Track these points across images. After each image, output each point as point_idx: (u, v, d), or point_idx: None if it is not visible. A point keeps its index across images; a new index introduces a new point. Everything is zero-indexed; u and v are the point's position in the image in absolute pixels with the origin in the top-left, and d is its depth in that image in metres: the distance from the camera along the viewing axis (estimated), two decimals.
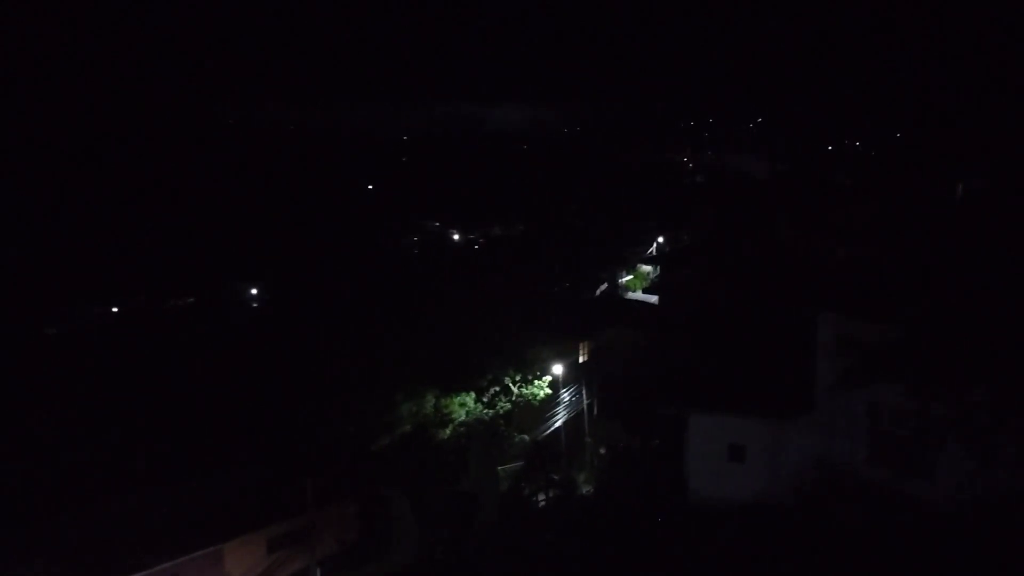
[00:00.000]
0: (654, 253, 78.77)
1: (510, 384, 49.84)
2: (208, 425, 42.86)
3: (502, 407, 48.24)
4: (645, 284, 69.37)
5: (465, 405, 46.71)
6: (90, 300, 66.78)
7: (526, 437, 45.95)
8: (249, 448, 39.51)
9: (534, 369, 51.15)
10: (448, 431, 44.81)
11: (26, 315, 59.89)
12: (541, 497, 38.74)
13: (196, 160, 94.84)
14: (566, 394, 52.03)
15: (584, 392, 47.39)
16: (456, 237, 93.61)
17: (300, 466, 35.33)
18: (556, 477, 40.68)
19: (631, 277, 73.34)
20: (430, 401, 45.80)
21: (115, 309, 68.01)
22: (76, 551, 27.99)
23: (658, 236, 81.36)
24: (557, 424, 48.53)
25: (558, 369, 50.74)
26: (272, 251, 79.88)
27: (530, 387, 50.48)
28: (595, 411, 46.06)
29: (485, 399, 48.18)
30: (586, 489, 40.04)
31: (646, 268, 74.17)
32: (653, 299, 60.48)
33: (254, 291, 76.90)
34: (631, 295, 69.32)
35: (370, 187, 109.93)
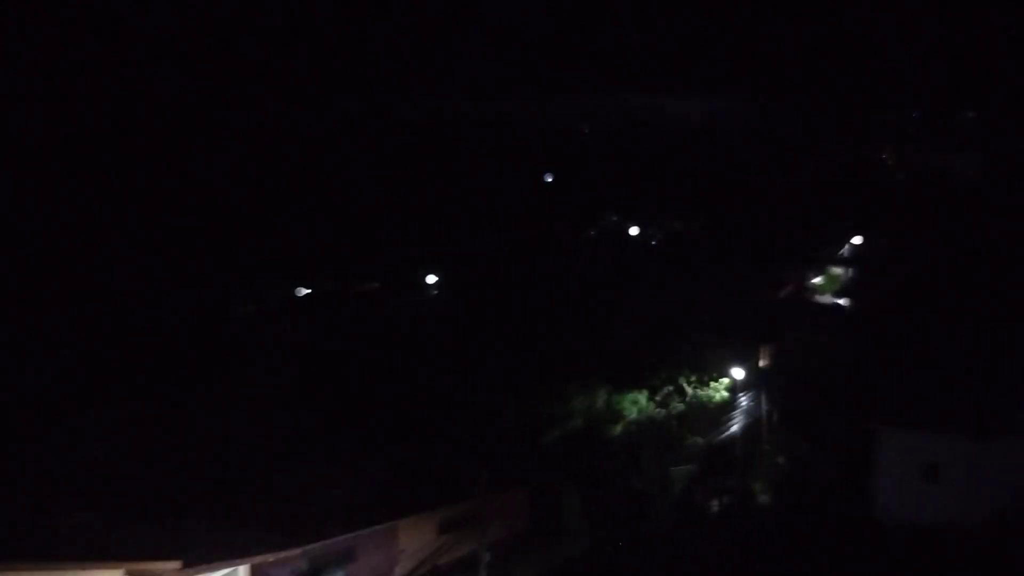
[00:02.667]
0: (847, 254, 74.62)
1: (685, 385, 48.80)
2: (386, 405, 44.64)
3: (675, 408, 47.34)
4: (836, 287, 65.86)
5: (637, 403, 46.21)
6: (282, 282, 70.89)
7: (700, 440, 44.74)
8: (425, 430, 40.75)
9: (711, 371, 49.87)
10: (619, 428, 44.47)
11: (220, 294, 64.14)
12: (715, 503, 37.54)
13: (380, 152, 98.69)
14: (744, 399, 50.30)
15: (764, 398, 45.58)
16: (634, 231, 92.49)
17: (474, 451, 35.96)
18: (731, 484, 39.29)
19: (821, 279, 69.80)
20: (601, 397, 45.66)
21: (306, 291, 72.01)
22: (264, 519, 29.66)
23: (853, 237, 76.95)
24: (733, 429, 47.00)
25: (737, 372, 49.13)
26: (451, 241, 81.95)
27: (706, 389, 49.25)
28: (775, 418, 44.17)
29: (658, 398, 47.48)
30: (763, 499, 38.49)
31: (837, 270, 70.39)
32: (844, 303, 57.29)
33: (432, 279, 79.12)
34: (820, 298, 65.98)
35: (548, 179, 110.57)
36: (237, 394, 42.57)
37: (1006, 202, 57.78)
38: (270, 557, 27.53)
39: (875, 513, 28.59)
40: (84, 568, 23.68)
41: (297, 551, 28.22)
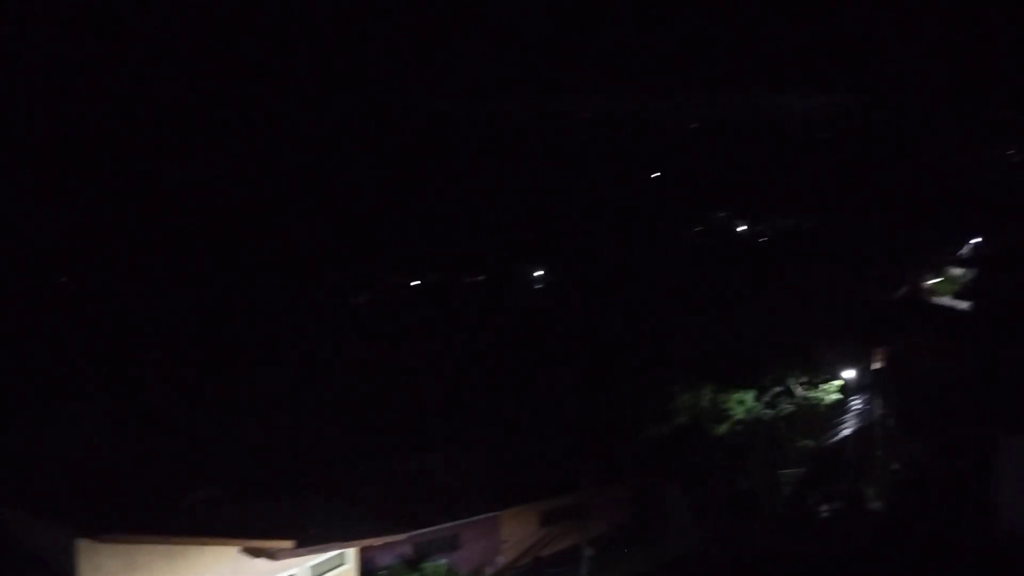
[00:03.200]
0: (968, 255, 71.30)
1: (794, 385, 47.62)
2: (492, 396, 45.17)
3: (784, 409, 46.24)
4: (955, 289, 63.01)
5: (744, 403, 45.28)
6: (393, 273, 72.64)
7: (810, 443, 43.61)
8: (529, 422, 41.05)
9: (821, 372, 48.52)
10: (725, 427, 43.72)
11: (336, 285, 66.12)
12: (824, 508, 36.55)
13: (491, 146, 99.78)
14: (857, 402, 48.76)
15: (877, 401, 44.07)
16: (742, 228, 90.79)
17: (577, 445, 36.03)
18: (842, 489, 38.17)
19: (939, 280, 66.95)
20: (707, 395, 44.94)
21: (416, 282, 73.60)
22: (373, 503, 30.51)
23: (973, 237, 73.51)
24: (844, 433, 45.62)
25: (848, 374, 47.65)
26: (558, 236, 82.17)
27: (816, 391, 47.96)
28: (889, 423, 42.63)
29: (766, 399, 46.44)
30: (875, 505, 37.26)
31: (957, 271, 67.36)
32: (964, 305, 54.75)
33: (538, 273, 79.52)
34: (937, 300, 63.27)
35: (656, 175, 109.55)
36: (351, 380, 43.88)
37: None
38: (378, 541, 28.29)
39: (996, 524, 27.29)
40: (203, 544, 24.79)
41: (404, 536, 28.92)
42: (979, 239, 73.13)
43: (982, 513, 27.89)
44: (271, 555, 25.89)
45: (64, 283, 56.67)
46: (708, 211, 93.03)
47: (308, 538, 26.39)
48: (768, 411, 45.70)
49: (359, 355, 48.28)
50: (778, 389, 47.14)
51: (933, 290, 65.83)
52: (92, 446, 29.64)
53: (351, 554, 28.31)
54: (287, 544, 25.80)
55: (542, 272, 78.63)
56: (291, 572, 26.74)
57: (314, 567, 26.78)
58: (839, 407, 47.87)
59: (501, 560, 32.41)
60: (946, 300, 61.68)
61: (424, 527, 29.26)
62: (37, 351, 43.04)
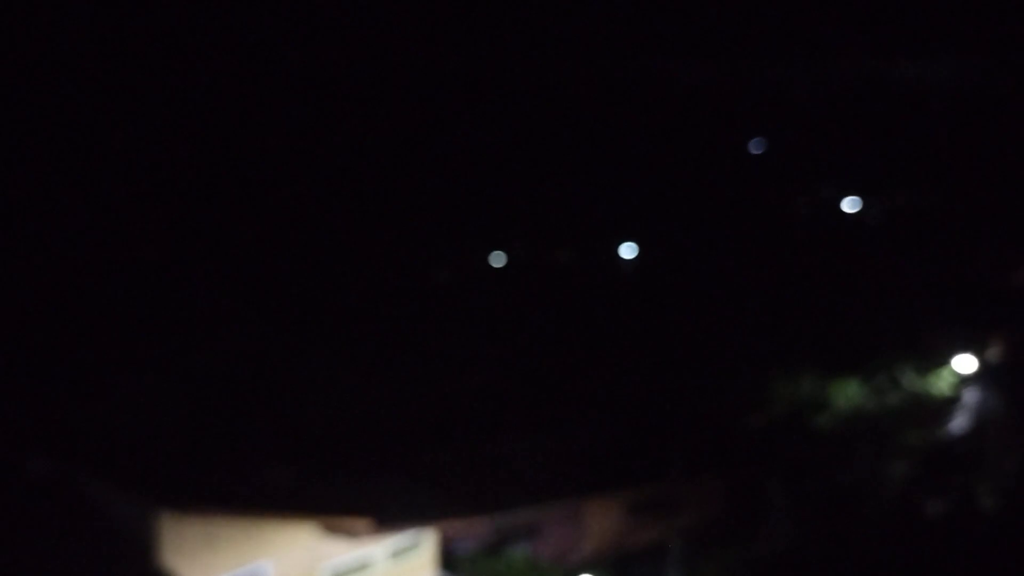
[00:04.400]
0: None
1: (902, 374, 45.18)
2: (579, 379, 44.12)
3: (891, 399, 43.95)
4: None
5: (847, 392, 43.26)
6: (476, 250, 71.85)
7: (919, 436, 41.25)
8: (618, 407, 39.88)
9: (933, 360, 45.87)
10: (826, 418, 41.78)
11: (418, 262, 65.82)
12: (934, 505, 34.47)
13: (576, 116, 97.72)
14: (971, 393, 45.99)
15: (994, 393, 41.49)
16: (851, 205, 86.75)
17: (668, 432, 34.72)
18: (954, 486, 35.96)
19: None
20: (807, 383, 43.10)
21: (501, 260, 72.67)
22: (453, 485, 29.94)
23: None
24: (957, 426, 43.13)
25: (962, 363, 44.84)
26: (651, 212, 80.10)
27: (926, 380, 45.44)
28: (1006, 416, 40.06)
29: (871, 387, 44.24)
30: (989, 504, 34.95)
31: None
32: None
33: (629, 252, 77.62)
34: None
35: (757, 150, 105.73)
36: (432, 359, 43.49)
37: None
38: (459, 522, 27.77)
39: None
40: (282, 520, 24.72)
41: (484, 519, 28.30)
42: None
43: None
44: (350, 533, 25.77)
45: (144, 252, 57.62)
46: (813, 187, 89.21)
47: (388, 517, 26.12)
48: (874, 401, 43.59)
49: (440, 334, 47.82)
50: (885, 377, 44.97)
51: None
52: (173, 419, 29.94)
53: (430, 537, 27.88)
54: (366, 522, 25.57)
55: (634, 251, 76.79)
56: (369, 551, 26.53)
57: (391, 547, 26.44)
58: (952, 399, 45.34)
59: (583, 549, 31.45)
60: None
61: (503, 510, 28.53)
62: (115, 321, 43.79)
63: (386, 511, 26.24)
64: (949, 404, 45.10)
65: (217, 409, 32.37)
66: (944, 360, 45.54)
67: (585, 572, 27.66)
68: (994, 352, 50.60)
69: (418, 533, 27.52)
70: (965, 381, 45.96)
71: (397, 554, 26.92)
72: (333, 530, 25.70)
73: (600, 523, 31.41)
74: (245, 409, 33.56)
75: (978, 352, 48.27)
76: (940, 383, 45.52)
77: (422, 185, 74.66)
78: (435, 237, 68.07)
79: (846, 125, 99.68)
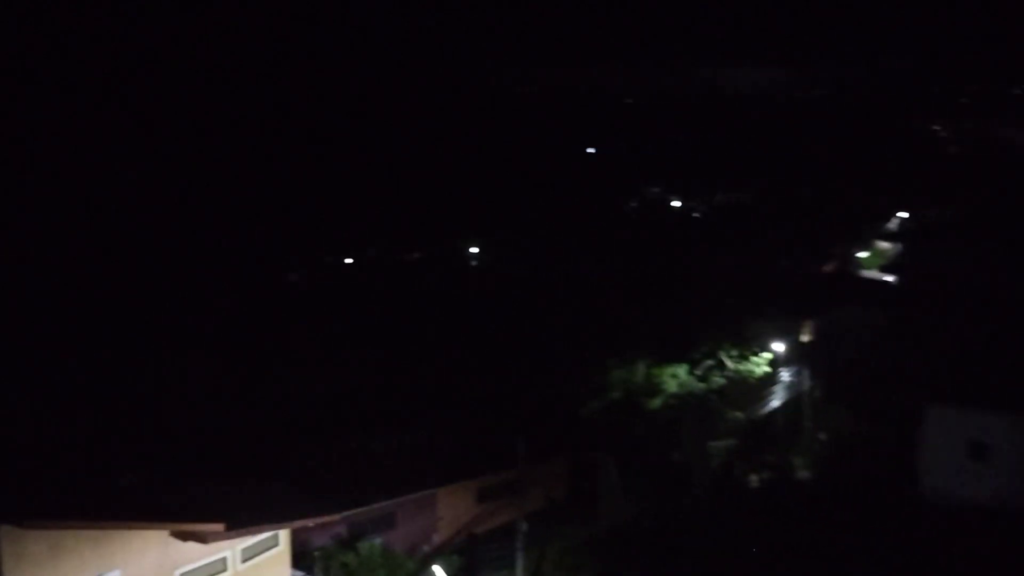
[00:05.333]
0: (895, 229, 73.24)
1: (725, 359, 48.42)
2: (428, 374, 44.97)
3: (716, 382, 47.05)
4: (882, 262, 64.71)
5: (677, 377, 45.96)
6: (326, 252, 71.39)
7: (740, 415, 44.44)
8: (465, 399, 41.00)
9: (752, 345, 49.44)
10: (658, 401, 44.31)
11: (270, 263, 64.86)
12: (754, 478, 37.31)
13: (421, 122, 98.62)
14: (786, 374, 49.83)
15: (807, 374, 45.13)
16: (677, 204, 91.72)
17: (513, 421, 36.09)
18: (771, 459, 39.01)
19: (867, 254, 68.64)
20: (641, 370, 45.49)
21: (349, 260, 72.50)
22: (309, 483, 30.09)
23: (900, 210, 75.47)
24: (774, 405, 46.65)
25: (778, 347, 48.66)
26: (493, 212, 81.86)
27: (747, 363, 48.85)
28: (818, 395, 43.77)
29: (698, 372, 47.20)
30: (803, 475, 38.20)
31: (884, 245, 69.18)
32: (891, 278, 56.28)
33: (475, 250, 79.25)
34: (865, 273, 64.90)
35: (590, 151, 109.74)
36: (284, 359, 43.18)
37: None
38: (310, 522, 27.89)
39: (920, 491, 28.25)
40: (130, 527, 24.14)
41: (337, 516, 28.56)
42: (905, 214, 75.09)
43: (906, 479, 28.80)
44: (201, 538, 25.35)
45: None
46: (642, 186, 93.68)
47: (238, 521, 25.85)
48: (701, 384, 46.45)
49: (294, 334, 47.52)
50: (710, 362, 47.97)
51: (861, 264, 67.46)
52: (20, 429, 28.58)
53: (284, 535, 27.87)
54: (217, 527, 25.23)
55: (478, 250, 78.41)
56: (222, 555, 26.24)
57: (245, 549, 26.29)
58: (769, 379, 48.89)
59: (436, 538, 32.35)
60: (873, 273, 63.30)
61: (357, 506, 28.95)
62: None
63: (238, 514, 26.06)
64: (767, 384, 48.78)
65: (67, 416, 31.12)
66: (763, 344, 49.33)
67: (437, 558, 28.47)
68: (806, 336, 55.13)
69: (272, 533, 27.48)
70: (781, 363, 49.92)
71: (252, 554, 26.79)
72: (184, 536, 25.27)
73: (452, 511, 32.35)
74: (93, 418, 32.40)
75: (792, 336, 52.51)
76: (759, 366, 49.15)
77: (272, 190, 73.46)
78: (286, 239, 67.25)
79: (671, 129, 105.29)
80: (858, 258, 68.10)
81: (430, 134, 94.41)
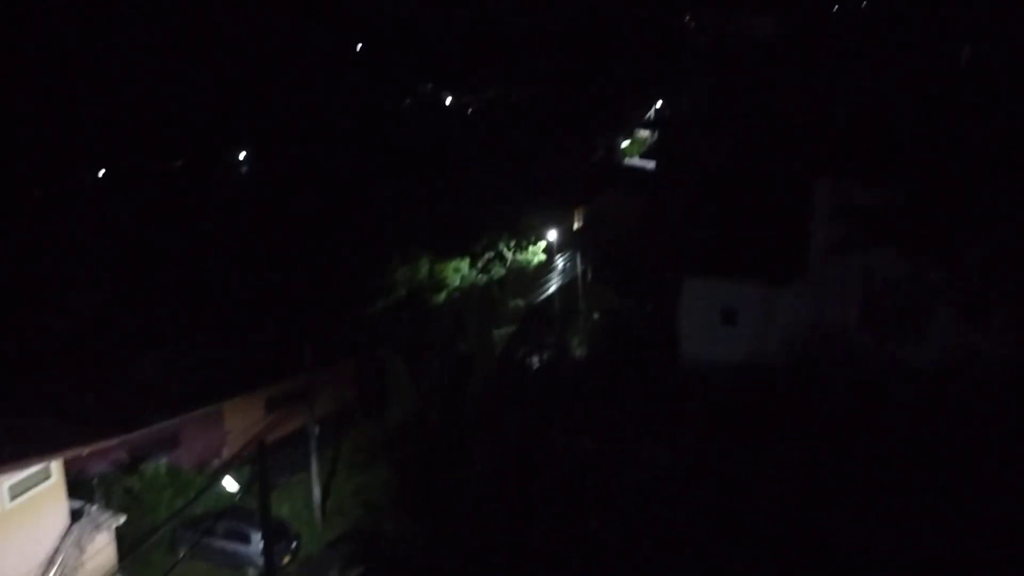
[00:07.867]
0: (652, 118, 77.18)
1: (504, 250, 49.97)
2: (205, 290, 43.08)
3: (496, 273, 48.58)
4: (643, 150, 68.27)
5: (459, 271, 47.00)
6: (74, 163, 65.28)
7: (520, 302, 46.30)
8: (247, 312, 39.81)
9: (528, 235, 51.27)
10: (443, 296, 45.23)
11: (11, 177, 58.60)
12: (535, 360, 39.32)
13: (182, 22, 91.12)
14: (560, 260, 52.23)
15: (579, 258, 47.51)
16: (450, 100, 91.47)
17: (298, 328, 35.59)
18: (550, 341, 41.16)
19: (628, 143, 72.09)
20: (424, 266, 46.05)
21: (101, 172, 66.81)
22: (81, 409, 28.44)
23: (657, 101, 79.46)
24: (551, 290, 48.90)
25: (552, 235, 50.77)
26: (260, 113, 77.97)
27: (524, 253, 50.73)
28: (589, 277, 46.33)
29: (480, 265, 48.47)
30: (580, 352, 40.66)
31: (644, 133, 72.85)
32: (651, 165, 59.64)
33: (243, 155, 75.70)
34: (628, 161, 68.32)
35: (359, 47, 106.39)
36: (34, 285, 39.73)
37: (801, 62, 61.02)
38: (84, 450, 26.49)
39: (680, 357, 30.80)
40: None
41: (113, 442, 27.27)
42: (660, 103, 79.15)
43: (669, 346, 31.30)
44: None
45: None
46: (414, 83, 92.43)
47: (1, 456, 24.19)
48: (482, 276, 47.83)
49: (43, 257, 43.62)
50: (491, 255, 49.37)
51: (624, 152, 70.81)
52: None
53: (56, 467, 26.35)
54: None
55: (246, 154, 74.87)
56: None
57: (13, 487, 24.66)
58: (546, 267, 51.10)
59: (226, 451, 31.76)
60: (635, 160, 66.74)
61: (128, 432, 27.60)
62: None
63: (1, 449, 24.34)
64: (544, 271, 51.02)
65: None
66: (539, 234, 51.24)
67: (228, 471, 28.03)
68: (576, 223, 57.83)
69: (42, 466, 25.89)
70: (556, 250, 52.25)
71: (21, 491, 25.18)
72: None
73: (240, 423, 31.74)
74: None
75: (565, 224, 54.88)
76: (536, 254, 51.19)
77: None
78: (30, 158, 60.58)
79: (442, 25, 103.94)
80: (621, 147, 71.38)
81: (191, 39, 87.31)
